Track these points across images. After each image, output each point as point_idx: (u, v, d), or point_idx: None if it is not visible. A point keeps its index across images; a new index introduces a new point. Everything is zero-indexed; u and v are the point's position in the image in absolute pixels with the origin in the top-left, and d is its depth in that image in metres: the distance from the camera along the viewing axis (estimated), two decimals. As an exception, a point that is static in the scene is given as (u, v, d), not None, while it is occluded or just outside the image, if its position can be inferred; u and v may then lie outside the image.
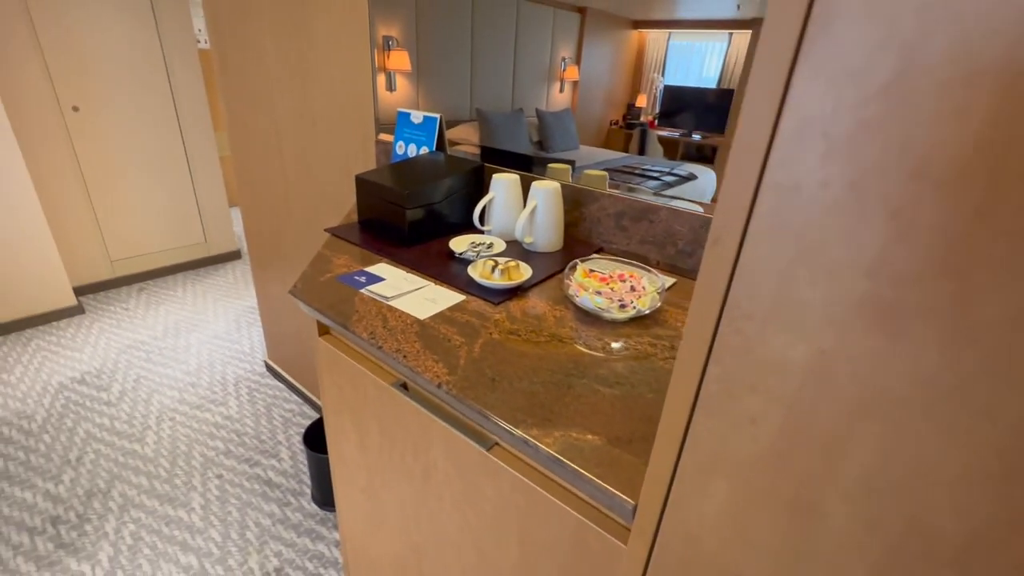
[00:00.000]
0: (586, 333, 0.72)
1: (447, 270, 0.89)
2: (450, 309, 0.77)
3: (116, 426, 2.08)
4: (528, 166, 1.16)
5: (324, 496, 1.76)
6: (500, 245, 0.97)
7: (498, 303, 0.78)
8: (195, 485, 1.83)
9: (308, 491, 1.84)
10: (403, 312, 0.76)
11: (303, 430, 2.13)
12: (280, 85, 1.63)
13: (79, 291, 3.05)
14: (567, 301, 0.81)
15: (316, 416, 2.21)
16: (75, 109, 2.76)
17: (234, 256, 3.74)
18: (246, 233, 2.22)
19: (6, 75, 2.53)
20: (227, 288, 3.31)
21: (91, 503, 1.73)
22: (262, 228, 2.10)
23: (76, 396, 2.23)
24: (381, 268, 0.89)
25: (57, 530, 1.63)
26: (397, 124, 1.30)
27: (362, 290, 0.82)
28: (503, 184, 1.01)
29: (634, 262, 0.88)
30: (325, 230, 1.04)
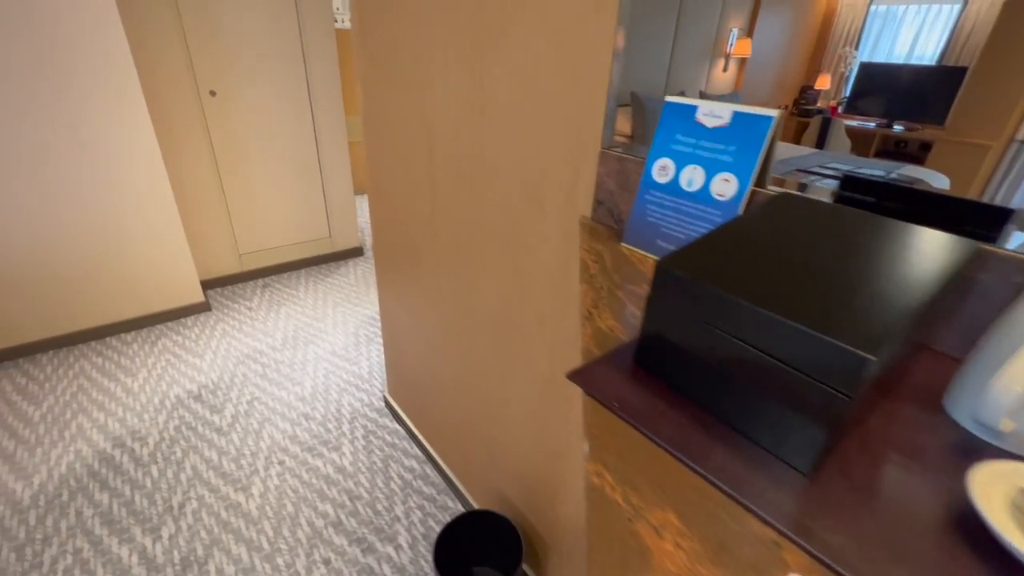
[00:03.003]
0: None
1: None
2: None
3: (224, 465, 1.80)
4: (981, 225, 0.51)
5: (454, 632, 1.29)
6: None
7: None
8: (299, 571, 1.46)
9: (432, 610, 1.39)
10: None
11: (424, 502, 1.69)
12: (441, 56, 1.12)
13: (207, 285, 2.94)
14: None
15: (442, 486, 1.76)
16: (212, 94, 2.57)
17: (356, 253, 3.48)
18: (374, 245, 1.81)
19: (148, 58, 2.37)
20: (347, 291, 3.03)
21: (185, 578, 1.43)
22: (394, 243, 1.65)
23: (190, 417, 2.01)
24: None
25: (145, 614, 1.34)
26: (660, 127, 0.70)
27: None
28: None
29: None
30: (569, 376, 0.47)
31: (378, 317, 2.78)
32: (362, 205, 4.50)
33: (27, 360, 2.29)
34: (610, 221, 0.83)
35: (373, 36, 1.37)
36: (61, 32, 1.95)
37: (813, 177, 0.67)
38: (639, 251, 0.74)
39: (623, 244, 0.76)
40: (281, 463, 1.82)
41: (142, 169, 2.29)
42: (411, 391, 1.88)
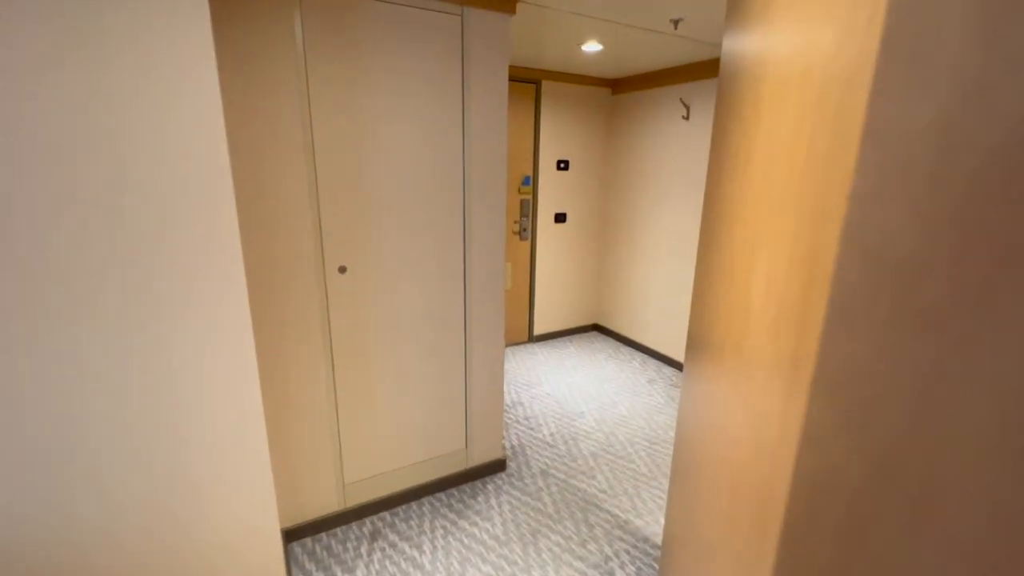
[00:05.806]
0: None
1: None
2: None
3: None
4: None
5: None
6: None
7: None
8: None
9: None
10: None
11: None
12: None
13: (293, 535, 1.96)
14: None
15: None
16: (341, 270, 1.78)
17: (497, 468, 2.41)
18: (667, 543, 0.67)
19: (275, 233, 1.63)
20: (496, 558, 1.90)
21: None
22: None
23: None
24: None
25: None
26: None
27: None
28: None
29: None
30: None
31: (557, 641, 1.59)
32: (511, 395, 3.11)
33: None
34: None
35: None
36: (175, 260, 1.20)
37: None
38: None
39: None
40: None
41: (231, 410, 1.43)
42: None
